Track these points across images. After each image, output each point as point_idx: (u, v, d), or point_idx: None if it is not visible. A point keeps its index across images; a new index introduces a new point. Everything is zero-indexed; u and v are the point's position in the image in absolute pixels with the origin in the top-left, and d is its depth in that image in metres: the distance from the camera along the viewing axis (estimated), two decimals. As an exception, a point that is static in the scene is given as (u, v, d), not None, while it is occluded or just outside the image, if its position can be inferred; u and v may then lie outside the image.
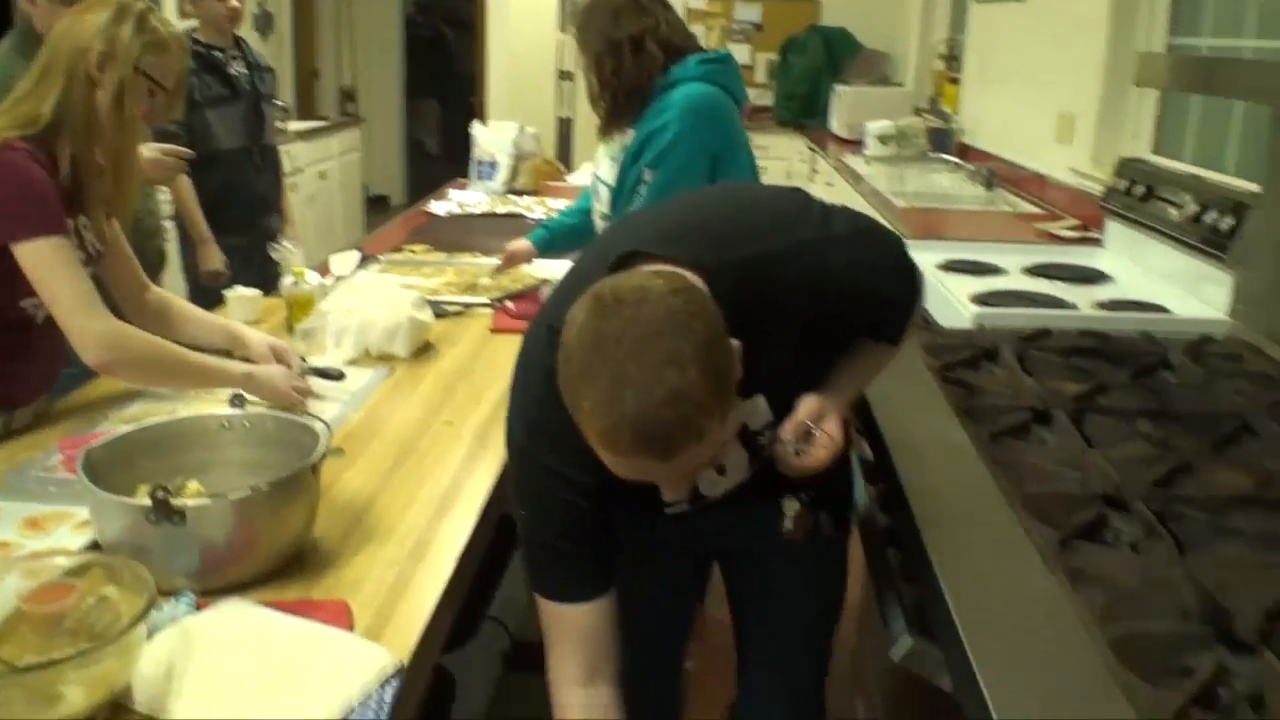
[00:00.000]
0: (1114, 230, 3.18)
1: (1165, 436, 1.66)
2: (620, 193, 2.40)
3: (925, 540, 1.33)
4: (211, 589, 1.35)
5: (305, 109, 7.17)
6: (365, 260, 3.13)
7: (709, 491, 1.47)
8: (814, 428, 1.38)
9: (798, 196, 1.43)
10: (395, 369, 2.22)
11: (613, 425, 1.11)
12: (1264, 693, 1.08)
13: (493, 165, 4.29)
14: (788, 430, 1.38)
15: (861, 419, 1.82)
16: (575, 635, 1.40)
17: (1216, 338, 2.24)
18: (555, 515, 1.37)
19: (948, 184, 4.57)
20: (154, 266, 2.95)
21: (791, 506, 1.55)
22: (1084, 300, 2.64)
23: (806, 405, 1.39)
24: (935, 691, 1.37)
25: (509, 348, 2.31)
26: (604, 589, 1.40)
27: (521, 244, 2.81)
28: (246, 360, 1.95)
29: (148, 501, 1.29)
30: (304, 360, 2.06)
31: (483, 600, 2.18)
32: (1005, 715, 1.00)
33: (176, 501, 1.30)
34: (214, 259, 3.41)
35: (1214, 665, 1.08)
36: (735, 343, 1.19)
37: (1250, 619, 1.16)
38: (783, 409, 1.40)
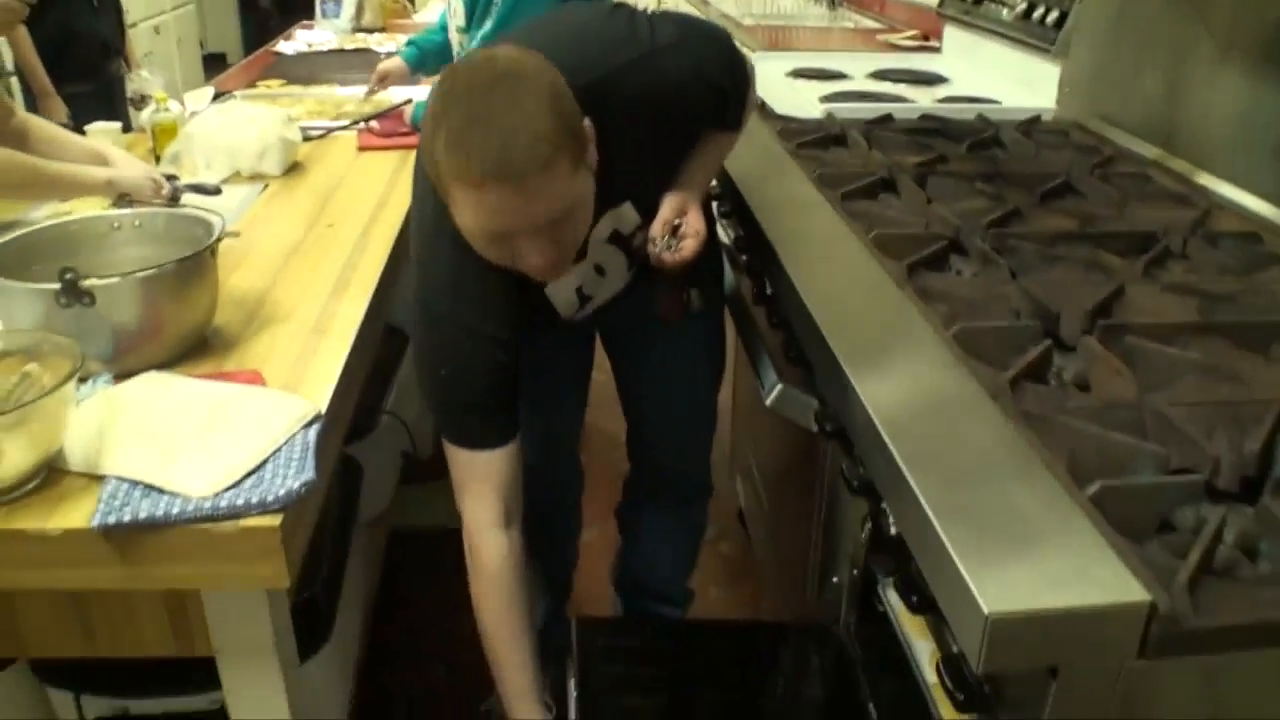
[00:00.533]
0: (951, 36, 3.33)
1: (999, 192, 1.82)
2: (474, 6, 2.43)
3: (791, 277, 1.47)
4: (126, 371, 1.41)
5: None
6: (219, 97, 3.10)
7: (593, 292, 1.59)
8: (680, 222, 1.50)
9: (621, 14, 1.49)
10: (268, 186, 2.25)
11: (465, 154, 1.18)
12: (1088, 375, 1.26)
13: (338, 3, 4.24)
14: (655, 230, 1.51)
15: (724, 189, 1.95)
16: (492, 480, 1.47)
17: (1045, 119, 2.41)
18: (477, 373, 1.44)
19: (791, 5, 4.67)
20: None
21: (662, 290, 1.68)
22: (924, 97, 2.80)
23: (669, 204, 1.52)
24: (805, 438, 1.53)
25: (378, 164, 2.39)
26: (515, 433, 1.49)
27: (393, 63, 2.84)
28: None
29: (57, 285, 1.34)
30: (177, 178, 2.08)
31: (379, 397, 2.27)
32: (871, 396, 1.15)
33: (85, 283, 1.35)
34: (57, 111, 3.33)
35: (1041, 350, 1.24)
36: (588, 122, 1.29)
37: (1073, 318, 1.33)
38: (648, 210, 1.53)
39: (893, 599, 1.57)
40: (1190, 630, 0.84)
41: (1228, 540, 0.98)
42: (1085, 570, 0.87)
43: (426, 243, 1.47)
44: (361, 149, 2.53)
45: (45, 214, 1.95)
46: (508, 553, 1.49)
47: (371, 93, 2.90)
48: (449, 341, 1.45)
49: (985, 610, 0.81)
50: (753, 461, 2.45)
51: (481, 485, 1.48)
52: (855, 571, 1.65)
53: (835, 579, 1.77)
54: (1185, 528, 1.00)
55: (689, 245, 1.50)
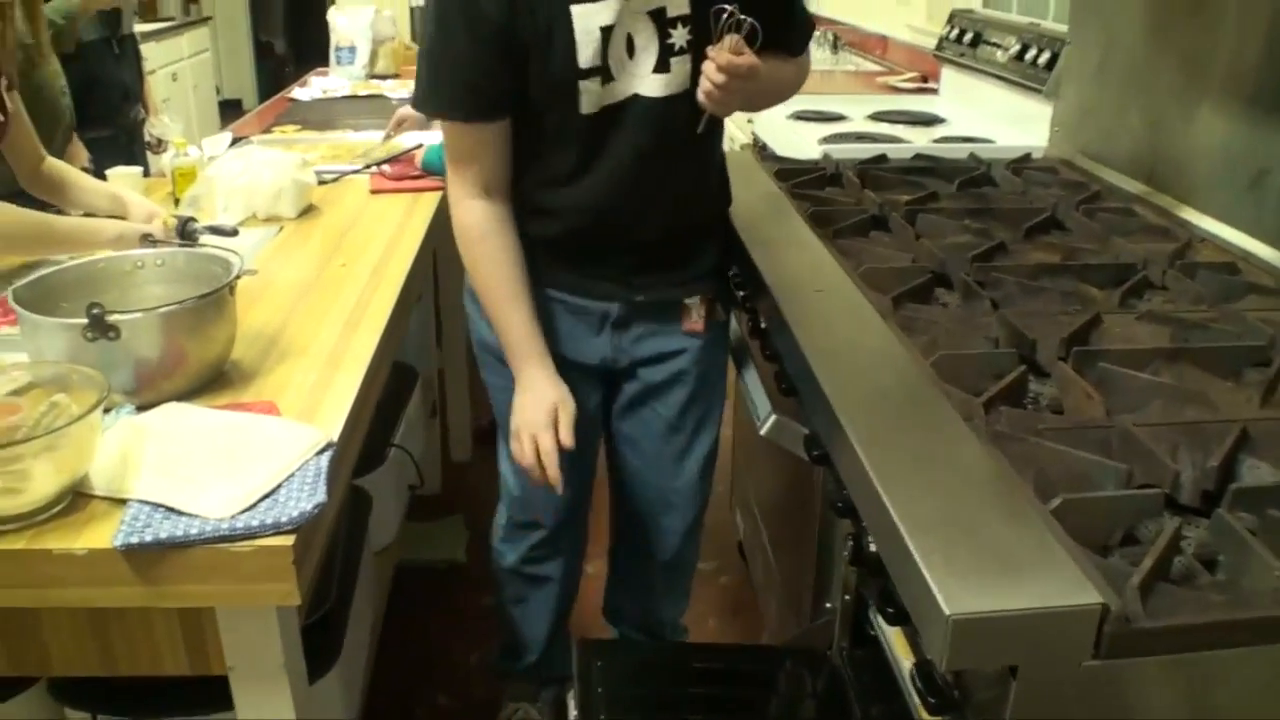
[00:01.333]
0: (948, 77, 3.42)
1: (986, 227, 1.89)
2: None
3: (783, 311, 1.53)
4: (148, 402, 1.48)
5: (148, 9, 7.00)
6: (236, 142, 3.19)
7: (615, 63, 1.57)
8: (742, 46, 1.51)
9: None
10: (284, 227, 2.33)
11: None
12: (1061, 401, 1.32)
13: (351, 50, 4.34)
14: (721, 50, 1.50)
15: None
16: (476, 153, 1.63)
17: (1036, 157, 2.49)
18: (463, 33, 1.53)
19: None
20: (69, 127, 2.97)
21: (692, 301, 1.80)
22: (921, 138, 2.88)
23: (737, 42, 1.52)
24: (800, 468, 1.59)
25: (390, 206, 2.47)
26: (503, 114, 1.61)
27: (409, 109, 2.93)
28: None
29: (84, 320, 1.42)
30: (195, 220, 2.16)
31: (388, 431, 2.34)
32: (850, 420, 1.21)
33: (111, 318, 1.42)
34: (79, 156, 3.42)
35: (1016, 376, 1.31)
36: None
37: (1049, 345, 1.39)
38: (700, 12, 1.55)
39: (883, 623, 1.62)
40: (1141, 630, 0.90)
41: (1187, 552, 1.04)
42: (1044, 576, 0.92)
43: None
44: (374, 192, 2.61)
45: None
46: (490, 216, 1.67)
47: (388, 137, 2.99)
48: (449, 12, 1.54)
49: (947, 612, 0.87)
50: (751, 494, 2.51)
51: (464, 159, 1.65)
52: (847, 597, 1.71)
53: (829, 604, 1.83)
54: (1148, 541, 1.06)
55: (743, 70, 1.50)
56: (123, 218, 2.08)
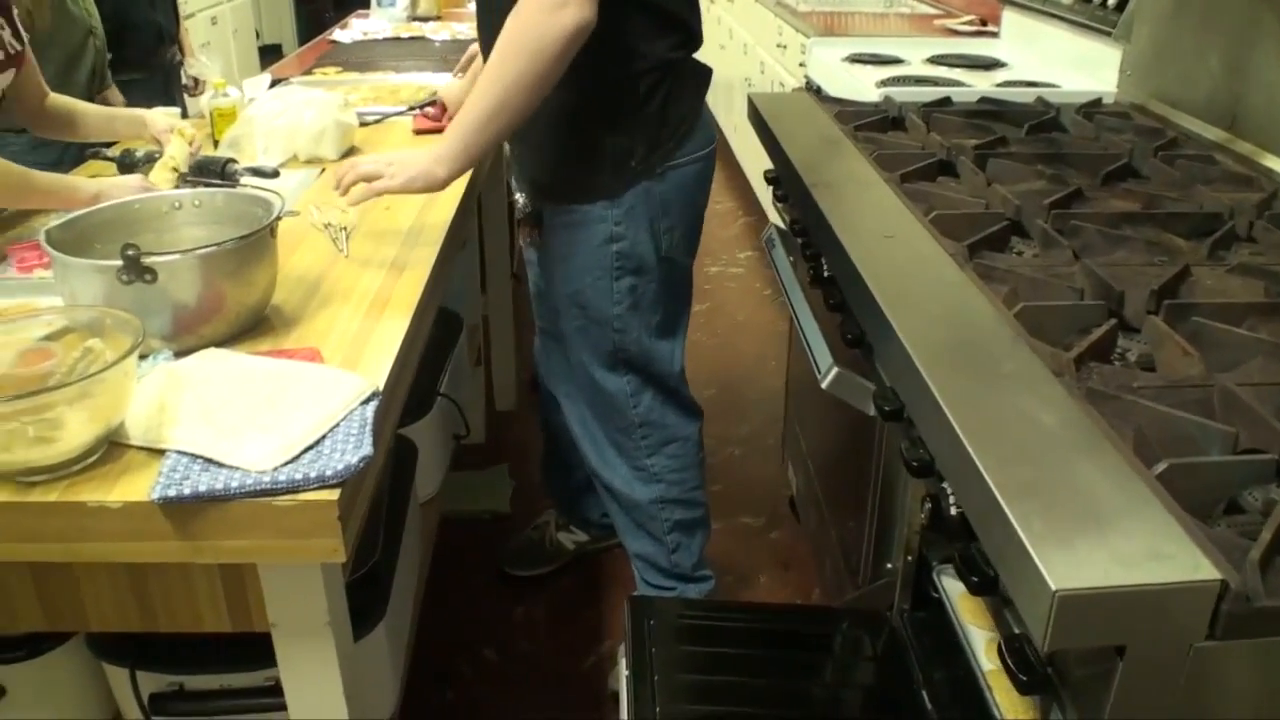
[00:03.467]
0: (1010, 20, 3.30)
1: (1060, 174, 1.79)
2: None
3: (851, 257, 1.45)
4: (186, 348, 1.42)
5: (187, -48, 6.93)
6: (276, 84, 3.12)
7: None
8: None
9: None
10: (325, 170, 2.26)
11: None
12: (1154, 357, 1.24)
13: (394, -8, 4.26)
14: None
15: (781, 170, 1.94)
16: None
17: (1106, 102, 2.38)
18: None
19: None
20: (102, 68, 2.92)
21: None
22: (982, 82, 2.77)
23: None
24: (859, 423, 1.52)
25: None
26: None
27: (476, 47, 2.85)
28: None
29: (119, 262, 1.36)
30: (235, 161, 2.10)
31: (434, 380, 2.28)
32: (933, 374, 1.13)
33: (147, 260, 1.36)
34: (113, 99, 3.37)
35: (1108, 330, 1.22)
36: None
37: (1138, 298, 1.30)
38: None
39: (947, 585, 1.55)
40: (1262, 609, 0.82)
41: (1298, 523, 0.96)
42: (1154, 549, 0.85)
43: None
44: (417, 132, 2.54)
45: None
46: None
47: (461, 72, 2.91)
48: None
49: (1053, 587, 0.80)
50: (805, 448, 2.43)
51: None
52: (910, 558, 1.64)
53: (890, 565, 1.76)
54: (1254, 509, 0.98)
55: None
56: (143, 136, 2.08)
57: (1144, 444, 0.99)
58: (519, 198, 1.91)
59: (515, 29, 1.60)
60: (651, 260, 1.87)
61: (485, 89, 1.64)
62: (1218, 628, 0.83)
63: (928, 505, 1.15)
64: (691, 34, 1.83)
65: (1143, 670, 0.85)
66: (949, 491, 1.08)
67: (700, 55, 1.88)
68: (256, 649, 1.36)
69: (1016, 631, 1.00)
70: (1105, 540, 0.85)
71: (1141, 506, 0.90)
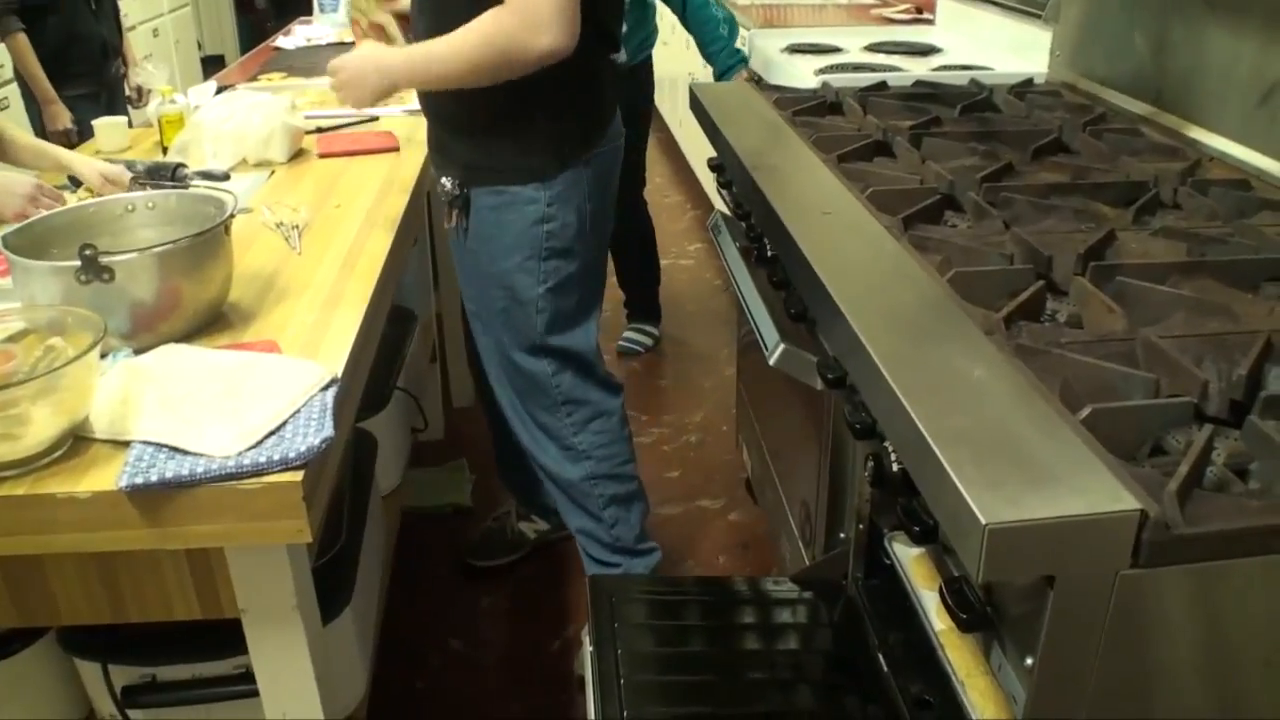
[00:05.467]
0: (945, 7, 3.38)
1: (992, 150, 1.85)
2: None
3: (792, 233, 1.50)
4: (145, 346, 1.45)
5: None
6: (221, 91, 3.14)
7: None
8: None
9: None
10: (275, 172, 2.29)
11: None
12: (1081, 315, 1.29)
13: (335, -3, 4.27)
14: None
15: (723, 157, 1.98)
16: None
17: (1038, 82, 2.44)
18: None
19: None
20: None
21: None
22: (918, 67, 2.84)
23: None
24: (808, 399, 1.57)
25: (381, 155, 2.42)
26: None
27: None
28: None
29: (77, 262, 1.38)
30: (185, 166, 2.12)
31: (390, 374, 2.31)
32: (870, 336, 1.18)
33: (104, 259, 1.39)
34: (61, 117, 3.36)
35: (1035, 290, 1.28)
36: None
37: (1066, 261, 1.36)
38: None
39: (899, 551, 1.60)
40: (1181, 537, 0.87)
41: (1218, 462, 1.01)
42: (1078, 485, 0.90)
43: None
44: (322, 155, 2.46)
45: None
46: None
47: None
48: None
49: (983, 521, 0.85)
50: (758, 430, 2.48)
51: None
52: (861, 526, 1.69)
53: (842, 535, 1.81)
54: (1176, 451, 1.03)
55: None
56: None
57: (1070, 393, 1.05)
58: (445, 182, 1.93)
59: (494, 30, 1.66)
60: (576, 242, 1.93)
61: (444, 56, 1.72)
62: (1141, 556, 0.88)
63: (870, 464, 1.20)
64: (618, 41, 1.96)
65: (1072, 599, 0.91)
66: (890, 450, 1.13)
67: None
68: (227, 638, 1.38)
69: (956, 574, 1.05)
70: (1032, 480, 0.90)
71: (1068, 449, 0.95)
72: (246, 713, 1.54)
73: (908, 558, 1.56)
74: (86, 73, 3.46)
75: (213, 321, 1.54)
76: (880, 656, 1.61)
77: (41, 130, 3.36)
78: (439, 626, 2.41)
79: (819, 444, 1.81)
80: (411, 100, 2.64)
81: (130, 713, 1.62)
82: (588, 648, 1.67)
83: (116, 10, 3.69)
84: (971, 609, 1.01)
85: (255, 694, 1.40)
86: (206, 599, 1.32)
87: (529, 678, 2.26)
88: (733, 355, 2.81)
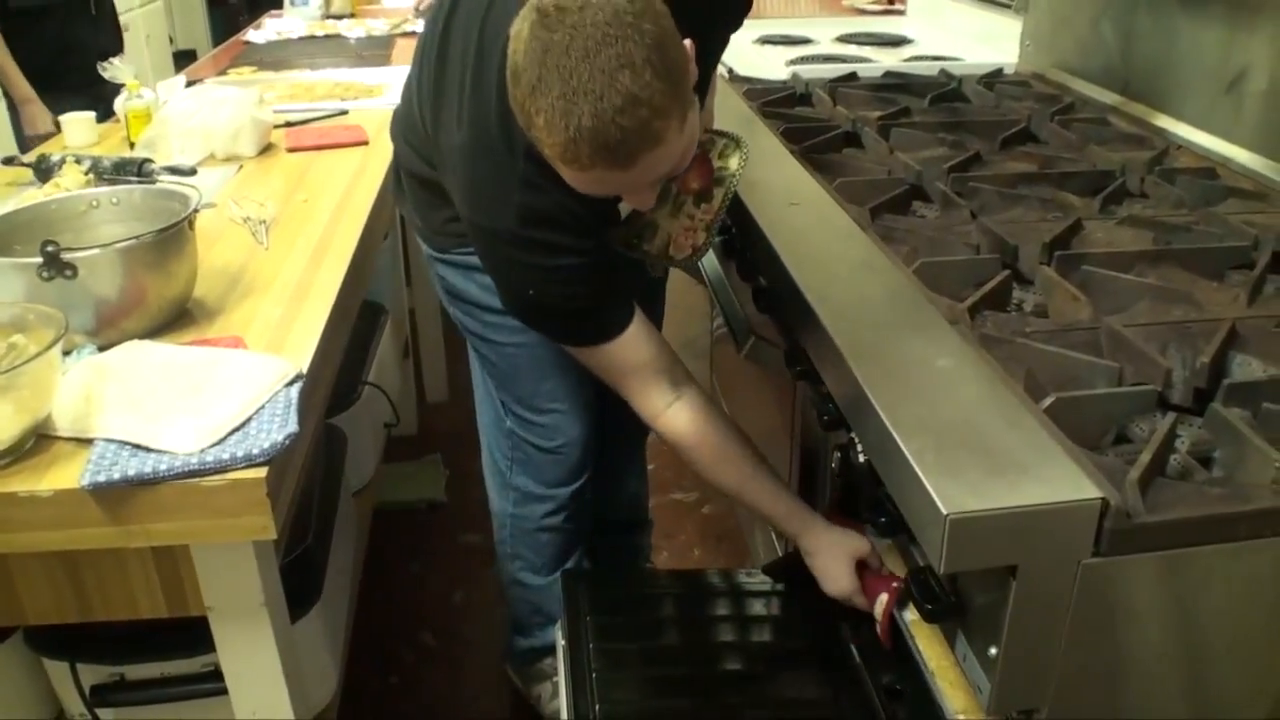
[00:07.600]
0: (915, -2, 3.38)
1: (961, 140, 1.86)
2: None
3: (760, 225, 1.50)
4: (110, 342, 1.43)
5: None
6: (191, 85, 3.11)
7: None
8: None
9: None
10: (243, 166, 2.27)
11: (570, 139, 1.09)
12: (1046, 304, 1.30)
13: (306, -10, 4.25)
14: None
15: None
16: (639, 358, 1.43)
17: (1007, 73, 2.45)
18: (574, 278, 1.38)
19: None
20: None
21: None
22: (889, 58, 2.83)
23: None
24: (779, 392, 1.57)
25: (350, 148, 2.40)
26: (633, 308, 1.43)
27: None
28: None
29: (39, 259, 1.36)
30: (152, 161, 2.10)
31: (359, 370, 2.30)
32: (835, 328, 1.18)
33: (66, 255, 1.37)
34: (40, 120, 3.29)
35: (1000, 280, 1.28)
36: (688, 42, 1.15)
37: (1031, 251, 1.36)
38: None
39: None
40: (1142, 525, 0.88)
41: (1181, 450, 1.02)
42: (1040, 474, 0.90)
43: (495, 154, 1.34)
44: (290, 150, 2.41)
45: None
46: (693, 415, 1.43)
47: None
48: (532, 258, 1.37)
49: (944, 511, 0.85)
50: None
51: (633, 373, 1.43)
52: (833, 516, 1.69)
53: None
54: (1140, 440, 1.04)
55: None
56: None
57: (1034, 382, 1.05)
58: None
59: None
60: None
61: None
62: (1102, 544, 0.89)
63: (837, 455, 1.20)
64: None
65: (1035, 589, 0.91)
66: (855, 441, 1.13)
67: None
68: (196, 636, 1.37)
69: (921, 565, 1.05)
70: (994, 468, 0.91)
71: (1030, 438, 0.96)
72: (216, 711, 1.52)
73: (879, 549, 1.57)
74: (82, 84, 3.40)
75: (178, 317, 1.52)
76: (853, 647, 1.61)
77: (19, 132, 3.30)
78: (412, 621, 2.40)
79: (790, 435, 1.81)
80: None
81: (99, 712, 1.60)
82: (560, 642, 1.67)
83: (116, 18, 3.63)
84: (937, 599, 1.01)
85: (224, 692, 1.39)
86: (173, 597, 1.31)
87: (502, 672, 2.25)
88: (706, 348, 2.81)
